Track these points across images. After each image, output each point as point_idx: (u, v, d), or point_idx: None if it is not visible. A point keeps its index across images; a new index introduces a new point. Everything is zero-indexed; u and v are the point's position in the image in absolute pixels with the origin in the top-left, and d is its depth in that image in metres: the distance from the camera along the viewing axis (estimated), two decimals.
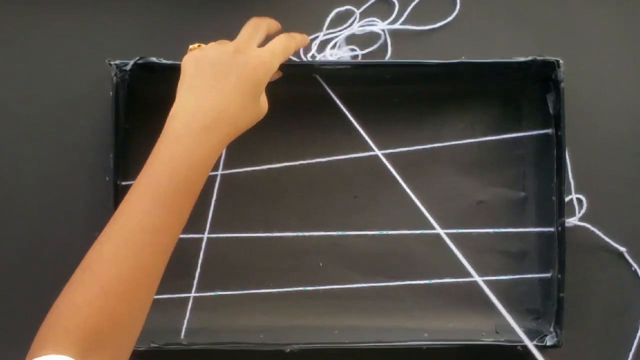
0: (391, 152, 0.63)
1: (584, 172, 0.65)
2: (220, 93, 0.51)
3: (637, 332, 0.65)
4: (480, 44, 0.66)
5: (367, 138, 0.61)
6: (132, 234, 0.46)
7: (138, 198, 0.48)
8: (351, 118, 0.61)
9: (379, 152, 0.62)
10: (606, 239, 0.64)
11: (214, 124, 0.50)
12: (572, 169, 0.64)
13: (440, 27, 0.66)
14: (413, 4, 0.66)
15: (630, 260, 0.65)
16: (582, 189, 0.65)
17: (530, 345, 0.58)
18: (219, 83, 0.51)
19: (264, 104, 0.55)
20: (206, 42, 0.55)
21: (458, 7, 0.66)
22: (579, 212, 0.64)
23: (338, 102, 0.61)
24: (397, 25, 0.65)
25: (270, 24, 0.58)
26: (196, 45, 0.54)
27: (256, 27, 0.56)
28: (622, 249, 0.65)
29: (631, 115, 0.66)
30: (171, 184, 0.48)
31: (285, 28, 0.65)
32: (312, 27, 0.66)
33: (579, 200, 0.65)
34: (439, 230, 0.62)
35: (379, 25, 0.64)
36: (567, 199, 0.62)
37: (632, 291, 0.65)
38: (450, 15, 0.66)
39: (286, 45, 0.56)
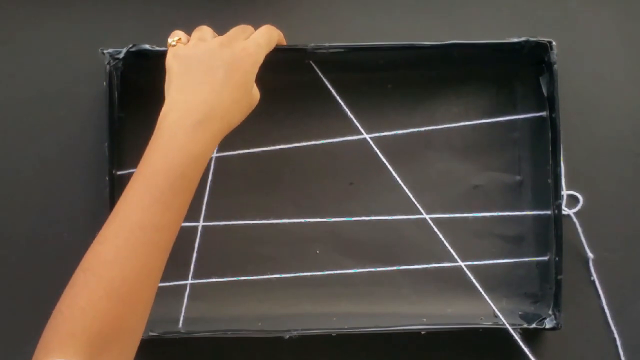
0: (384, 135, 0.63)
1: (580, 164, 0.65)
2: (210, 88, 0.51)
3: None
4: (473, 29, 0.66)
5: (356, 122, 0.62)
6: (132, 233, 0.46)
7: (135, 196, 0.48)
8: (342, 102, 0.62)
9: (367, 136, 0.63)
10: (582, 238, 0.64)
11: (207, 119, 0.50)
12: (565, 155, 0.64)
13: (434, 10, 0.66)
14: None
15: (592, 269, 0.65)
16: (579, 181, 0.65)
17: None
18: (208, 78, 0.51)
19: (255, 94, 0.55)
20: (188, 33, 0.56)
21: None
22: (578, 202, 0.64)
23: (330, 86, 0.61)
24: None
25: (270, 29, 0.58)
26: (176, 38, 0.55)
27: (245, 28, 0.56)
28: (590, 255, 0.64)
29: (628, 96, 0.66)
30: (168, 181, 0.48)
31: (286, 27, 0.65)
32: (312, 29, 0.66)
33: (574, 196, 0.65)
34: (424, 215, 0.62)
35: None
36: (563, 193, 0.63)
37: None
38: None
39: (269, 36, 0.56)
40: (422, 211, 0.63)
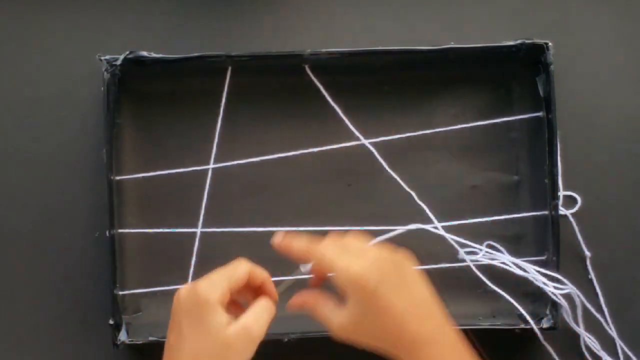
0: (383, 140, 0.63)
1: (578, 165, 0.65)
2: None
3: None
4: (471, 31, 0.66)
5: (352, 127, 0.62)
6: None
7: None
8: (337, 108, 0.62)
9: (365, 142, 0.63)
10: (580, 237, 0.65)
11: None
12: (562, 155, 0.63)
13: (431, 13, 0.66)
14: None
15: (590, 268, 0.65)
16: (577, 181, 0.65)
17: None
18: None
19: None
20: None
21: None
22: (576, 204, 0.65)
23: (325, 92, 0.61)
24: None
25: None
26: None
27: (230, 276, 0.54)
28: (588, 254, 0.65)
29: (624, 97, 0.66)
30: None
31: (285, 31, 0.65)
32: (310, 32, 0.66)
33: (572, 197, 0.65)
34: (436, 224, 0.63)
35: None
36: (560, 194, 0.63)
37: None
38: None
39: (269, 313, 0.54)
40: (433, 219, 0.63)
